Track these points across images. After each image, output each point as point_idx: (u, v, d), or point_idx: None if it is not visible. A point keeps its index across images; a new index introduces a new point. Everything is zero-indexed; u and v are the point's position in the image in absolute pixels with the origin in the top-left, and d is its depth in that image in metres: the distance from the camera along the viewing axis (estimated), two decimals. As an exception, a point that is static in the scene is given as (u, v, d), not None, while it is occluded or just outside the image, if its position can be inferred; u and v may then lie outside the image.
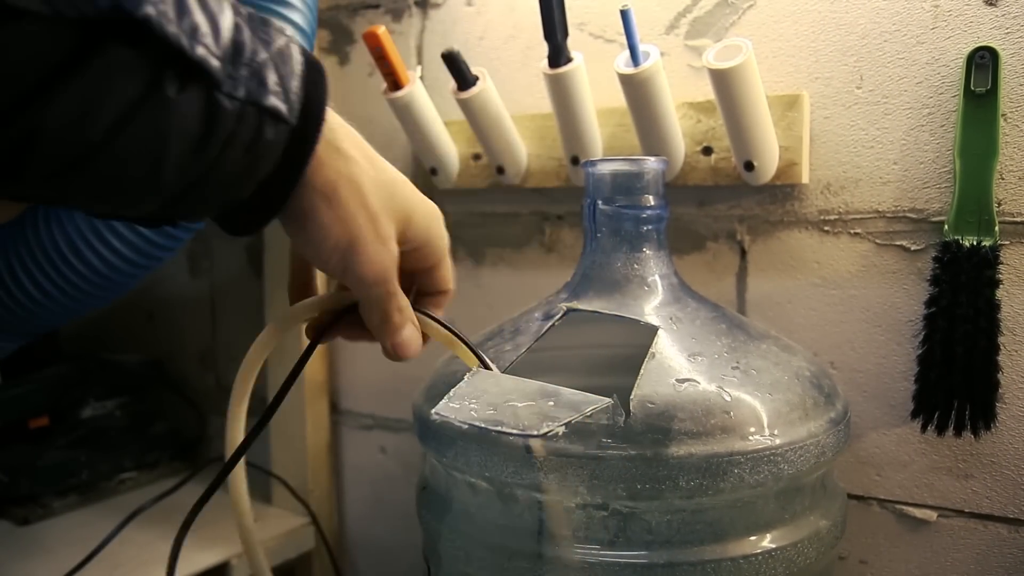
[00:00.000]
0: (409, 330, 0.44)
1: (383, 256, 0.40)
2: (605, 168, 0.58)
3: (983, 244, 0.59)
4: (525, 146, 0.76)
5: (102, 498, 0.92)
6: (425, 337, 0.46)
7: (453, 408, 0.45)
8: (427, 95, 0.75)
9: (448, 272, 0.47)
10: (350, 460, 0.95)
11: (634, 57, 0.62)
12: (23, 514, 0.86)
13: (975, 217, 0.60)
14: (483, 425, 0.44)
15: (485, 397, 0.46)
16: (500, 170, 0.76)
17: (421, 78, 0.75)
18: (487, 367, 0.47)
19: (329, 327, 0.46)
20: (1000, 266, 0.59)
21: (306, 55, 0.37)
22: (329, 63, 0.91)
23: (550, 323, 0.57)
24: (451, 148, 0.79)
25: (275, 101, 0.35)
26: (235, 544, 0.81)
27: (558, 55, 0.65)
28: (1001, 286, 0.59)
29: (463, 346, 0.48)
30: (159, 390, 1.03)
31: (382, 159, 0.42)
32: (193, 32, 0.31)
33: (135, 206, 0.35)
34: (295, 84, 0.36)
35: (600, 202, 0.58)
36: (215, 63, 0.32)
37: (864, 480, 0.67)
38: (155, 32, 0.30)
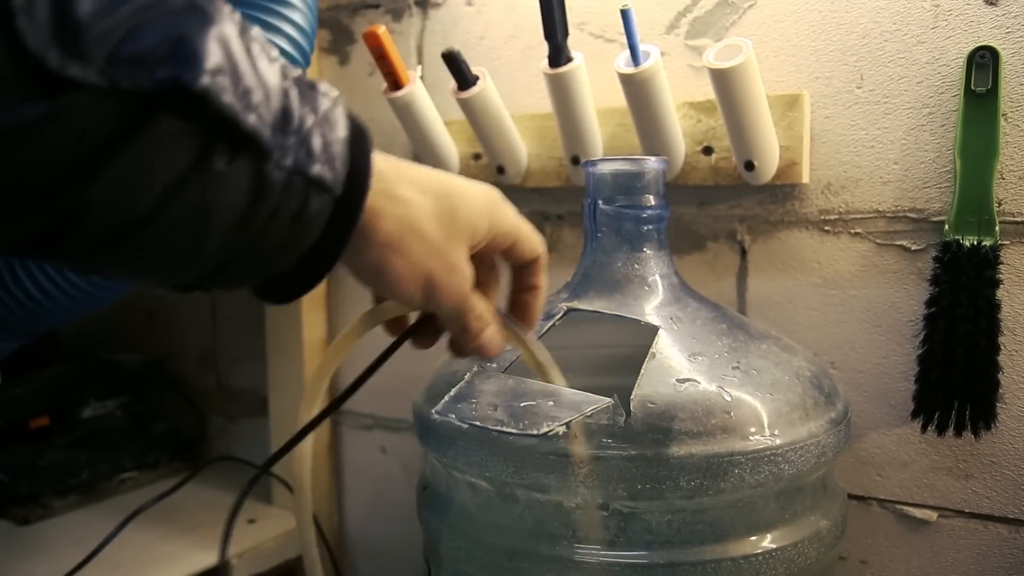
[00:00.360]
0: (489, 333, 0.44)
1: (459, 283, 0.41)
2: (605, 168, 0.58)
3: (983, 244, 0.59)
4: (525, 146, 0.76)
5: (102, 498, 0.92)
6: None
7: (453, 408, 0.45)
8: (427, 95, 0.75)
9: (528, 243, 0.46)
10: (350, 460, 0.95)
11: (634, 57, 0.62)
12: (23, 514, 0.86)
13: (975, 217, 0.60)
14: (483, 425, 0.44)
15: (485, 397, 0.46)
16: (500, 170, 0.76)
17: (421, 78, 0.75)
18: (545, 377, 0.47)
19: (412, 329, 0.47)
20: (1000, 266, 0.59)
21: (351, 117, 0.36)
22: (329, 63, 0.91)
23: (550, 323, 0.57)
24: (451, 148, 0.79)
25: (321, 170, 0.34)
26: (235, 544, 0.81)
27: (558, 55, 0.65)
28: (1001, 286, 0.59)
29: (529, 351, 0.48)
30: (159, 390, 1.03)
31: (433, 176, 0.41)
32: (246, 100, 0.30)
33: (174, 278, 0.34)
34: (341, 150, 0.35)
35: (600, 202, 0.58)
36: (266, 133, 0.31)
37: (864, 480, 0.67)
38: (211, 104, 0.29)
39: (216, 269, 0.34)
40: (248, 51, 0.31)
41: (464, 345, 0.44)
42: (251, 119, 0.30)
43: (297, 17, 0.68)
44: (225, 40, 0.30)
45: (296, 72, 0.34)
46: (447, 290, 0.41)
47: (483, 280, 0.46)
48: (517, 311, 0.48)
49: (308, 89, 0.34)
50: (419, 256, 0.39)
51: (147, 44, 0.28)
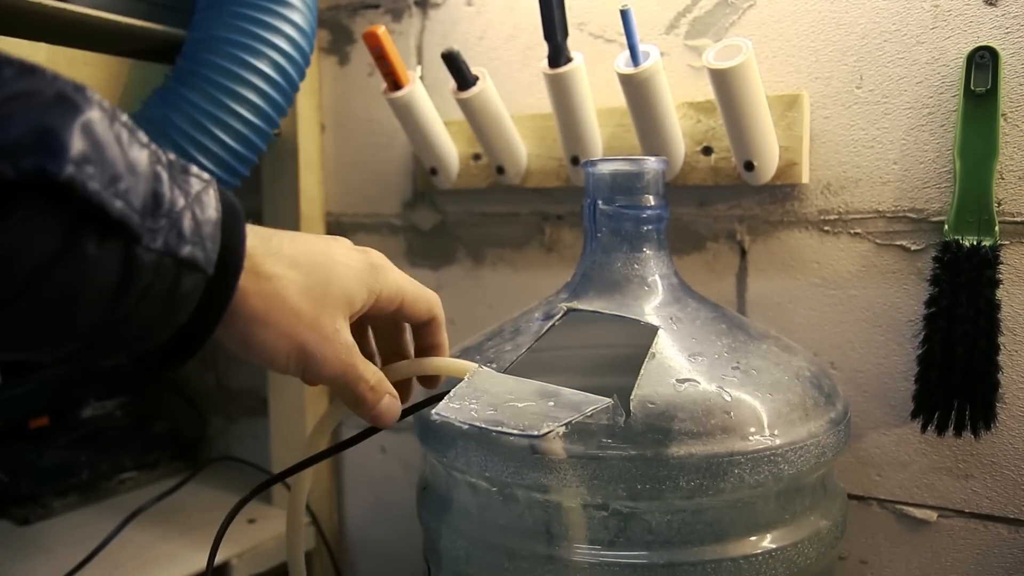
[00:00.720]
0: (385, 403, 0.45)
1: (335, 351, 0.42)
2: (605, 168, 0.58)
3: (983, 244, 0.59)
4: (525, 146, 0.76)
5: (102, 498, 0.92)
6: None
7: (453, 408, 0.45)
8: (427, 95, 0.75)
9: (416, 305, 0.47)
10: (350, 460, 0.95)
11: (634, 57, 0.62)
12: (23, 514, 0.86)
13: (975, 217, 0.60)
14: (483, 425, 0.44)
15: (485, 397, 0.46)
16: (500, 170, 0.76)
17: (421, 78, 0.75)
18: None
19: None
20: (1000, 266, 0.59)
21: (223, 197, 0.38)
22: (329, 63, 0.91)
23: (550, 323, 0.57)
24: (451, 148, 0.79)
25: (192, 251, 0.35)
26: (235, 544, 0.81)
27: (558, 55, 0.65)
28: (1001, 286, 0.59)
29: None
30: (159, 390, 1.03)
31: (308, 248, 0.42)
32: (113, 186, 0.31)
33: (45, 352, 0.35)
34: (212, 231, 0.36)
35: (600, 202, 0.58)
36: (135, 217, 0.32)
37: (864, 480, 0.67)
38: (77, 192, 0.30)
39: (88, 344, 0.35)
40: (118, 138, 0.32)
41: (361, 415, 0.45)
42: (118, 205, 0.32)
43: (297, 17, 0.68)
44: (92, 129, 0.31)
45: (169, 156, 0.36)
46: (323, 360, 0.42)
47: (386, 349, 0.49)
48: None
49: (180, 172, 0.36)
50: (287, 328, 0.40)
51: (13, 135, 0.29)
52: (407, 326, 0.50)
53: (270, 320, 0.40)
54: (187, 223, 0.35)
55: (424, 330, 0.49)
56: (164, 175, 0.34)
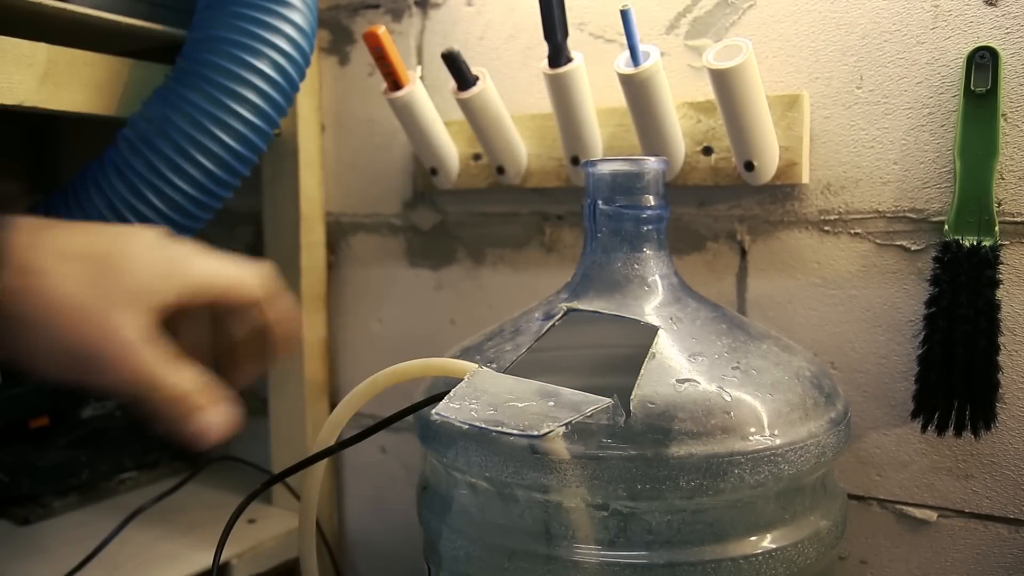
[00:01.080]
0: (201, 420, 0.39)
1: (123, 355, 0.36)
2: (605, 168, 0.58)
3: (983, 244, 0.59)
4: (525, 146, 0.76)
5: (102, 498, 0.92)
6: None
7: (453, 408, 0.45)
8: (427, 95, 0.75)
9: (239, 288, 0.42)
10: (350, 460, 0.95)
11: (634, 57, 0.62)
12: (23, 514, 0.86)
13: (975, 217, 0.60)
14: (483, 425, 0.44)
15: (485, 397, 0.46)
16: (500, 170, 0.76)
17: (421, 78, 0.75)
18: None
19: None
20: (1000, 266, 0.59)
21: None
22: (329, 63, 0.91)
23: (550, 323, 0.57)
24: (451, 148, 0.79)
25: None
26: (235, 544, 0.81)
27: (558, 55, 0.65)
28: (1001, 286, 0.59)
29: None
30: (159, 390, 1.03)
31: (90, 240, 0.37)
32: None
33: None
34: None
35: (600, 202, 0.58)
36: None
37: (864, 480, 0.67)
38: None
39: None
40: None
41: (173, 433, 0.39)
42: None
43: (297, 17, 0.68)
44: None
45: None
46: (108, 366, 0.36)
47: (237, 345, 0.43)
48: (250, 359, 0.44)
49: None
50: (62, 330, 0.35)
51: None
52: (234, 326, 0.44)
53: (39, 322, 0.35)
54: None
55: (257, 311, 0.43)
56: None
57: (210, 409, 0.40)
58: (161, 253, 0.39)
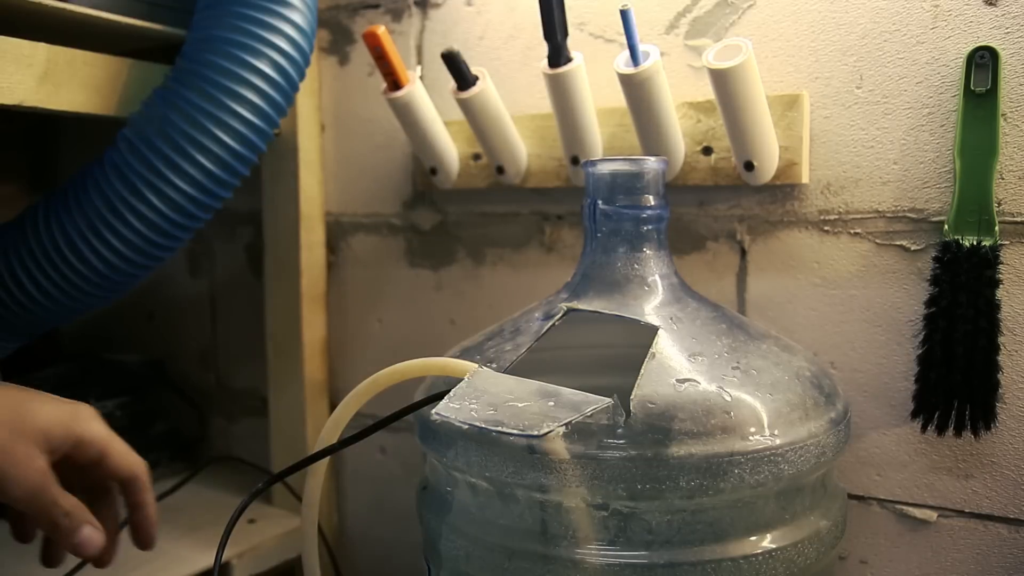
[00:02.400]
0: (86, 532, 0.48)
1: (25, 474, 0.45)
2: (605, 168, 0.58)
3: (983, 244, 0.59)
4: (525, 146, 0.76)
5: (102, 498, 0.92)
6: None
7: (453, 408, 0.45)
8: (427, 95, 0.75)
9: (118, 460, 0.51)
10: (350, 460, 0.95)
11: (634, 57, 0.62)
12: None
13: (975, 217, 0.60)
14: (483, 425, 0.44)
15: (485, 397, 0.46)
16: (500, 170, 0.76)
17: (421, 78, 0.75)
18: None
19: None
20: (1000, 266, 0.59)
21: None
22: (329, 63, 0.91)
23: (550, 323, 0.57)
24: (451, 148, 0.79)
25: None
26: (235, 544, 0.81)
27: (558, 55, 0.65)
28: (1001, 286, 0.59)
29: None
30: (159, 390, 1.03)
31: (6, 390, 0.47)
32: None
33: None
34: None
35: (600, 202, 0.58)
36: None
37: (864, 480, 0.67)
38: None
39: None
40: None
41: (62, 544, 0.47)
42: None
43: (297, 17, 0.68)
44: None
45: None
46: (14, 481, 0.45)
47: (94, 502, 0.51)
48: (132, 532, 0.53)
49: None
50: None
51: None
52: (111, 488, 0.53)
53: None
54: None
55: (129, 487, 0.52)
56: None
57: (89, 528, 0.48)
58: (64, 408, 0.48)
